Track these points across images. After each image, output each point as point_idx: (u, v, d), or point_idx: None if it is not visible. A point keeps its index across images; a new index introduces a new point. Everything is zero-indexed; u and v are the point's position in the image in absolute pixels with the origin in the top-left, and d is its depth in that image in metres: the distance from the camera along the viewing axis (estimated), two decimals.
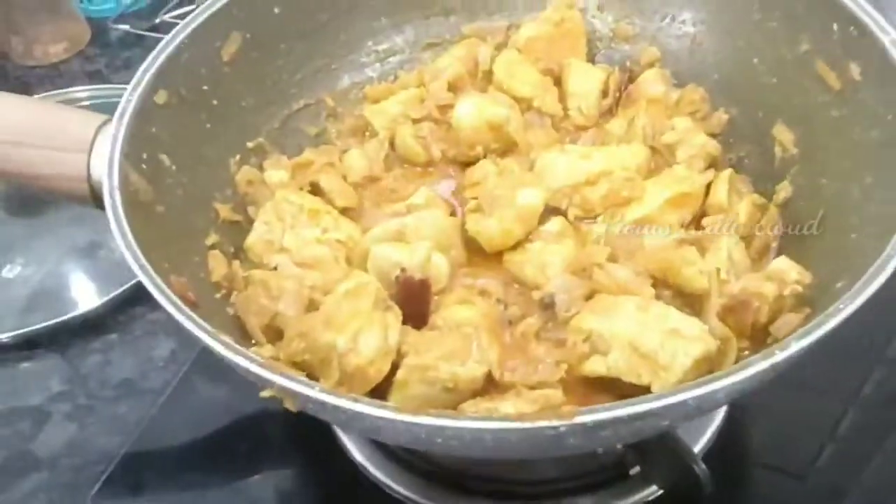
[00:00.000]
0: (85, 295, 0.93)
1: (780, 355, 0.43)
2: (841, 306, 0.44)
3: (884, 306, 0.47)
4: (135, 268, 0.51)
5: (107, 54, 1.31)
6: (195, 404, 0.80)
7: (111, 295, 0.89)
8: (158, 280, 0.51)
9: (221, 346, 0.47)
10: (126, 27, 1.31)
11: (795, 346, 0.43)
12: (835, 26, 0.64)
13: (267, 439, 0.76)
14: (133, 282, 0.88)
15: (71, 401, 0.84)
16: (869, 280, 0.46)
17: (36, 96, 1.18)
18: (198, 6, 1.26)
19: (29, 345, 0.88)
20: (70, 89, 1.20)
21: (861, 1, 0.62)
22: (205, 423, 0.78)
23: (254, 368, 0.46)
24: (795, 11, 0.67)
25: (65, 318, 0.88)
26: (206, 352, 0.51)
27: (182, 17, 1.29)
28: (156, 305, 0.90)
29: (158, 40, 1.24)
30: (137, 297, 0.89)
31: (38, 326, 0.88)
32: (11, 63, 1.30)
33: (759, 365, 0.43)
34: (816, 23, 0.65)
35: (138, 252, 0.51)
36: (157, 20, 1.31)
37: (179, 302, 0.50)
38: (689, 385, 0.42)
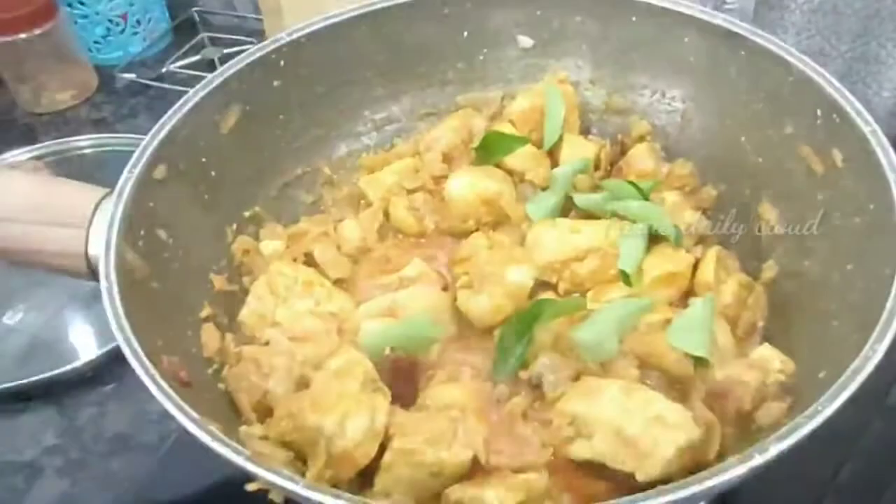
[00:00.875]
0: (83, 345, 0.94)
1: (758, 458, 0.44)
2: (820, 408, 0.45)
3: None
4: (127, 353, 0.52)
5: (113, 102, 1.34)
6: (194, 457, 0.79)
7: (109, 346, 0.90)
8: (150, 367, 0.52)
9: (208, 436, 0.48)
10: (132, 76, 1.34)
11: (774, 450, 0.44)
12: (818, 112, 0.65)
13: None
14: None
15: (64, 455, 0.85)
16: (847, 381, 0.46)
17: (40, 144, 1.21)
18: (203, 57, 1.33)
19: (24, 396, 0.89)
20: (75, 137, 1.22)
21: (844, 90, 0.63)
22: (202, 478, 0.77)
23: (239, 461, 0.46)
24: (781, 95, 0.69)
25: (62, 370, 0.89)
26: None
27: (188, 66, 1.34)
28: None
29: (164, 90, 1.30)
30: None
31: (35, 378, 0.88)
32: (20, 110, 1.32)
33: (737, 469, 0.43)
34: (801, 107, 0.67)
35: (132, 338, 0.52)
36: (164, 70, 1.34)
37: (168, 388, 0.51)
38: (665, 489, 0.43)
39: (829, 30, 1.10)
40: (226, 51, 1.34)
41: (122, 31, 1.38)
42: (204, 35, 1.40)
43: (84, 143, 1.22)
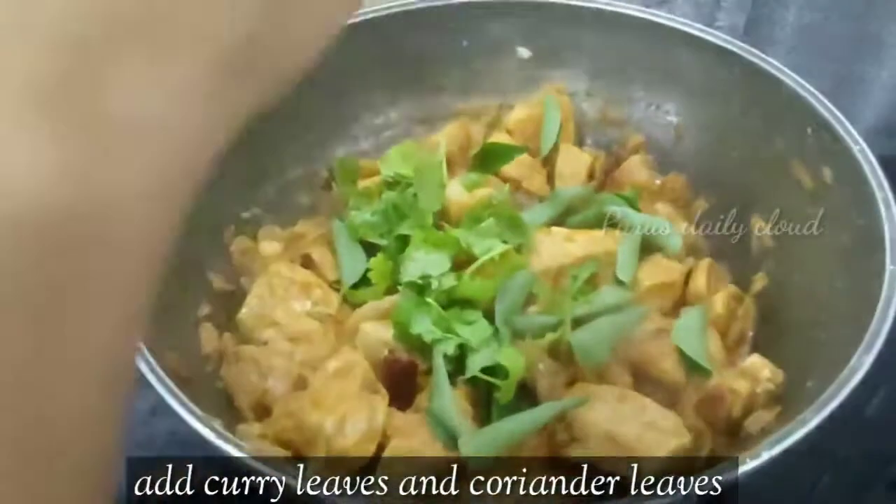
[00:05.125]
0: None
1: (750, 463, 0.45)
2: (809, 416, 0.47)
3: None
4: None
5: None
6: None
7: None
8: (152, 360, 0.52)
9: (212, 433, 0.48)
10: None
11: (765, 455, 0.45)
12: (809, 130, 0.67)
13: None
14: None
15: None
16: (836, 391, 0.48)
17: None
18: None
19: None
20: None
21: (834, 109, 0.65)
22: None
23: (243, 457, 0.47)
24: (773, 112, 0.71)
25: None
26: None
27: None
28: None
29: None
30: None
31: None
32: None
33: (729, 472, 0.45)
34: (792, 124, 0.69)
35: None
36: None
37: (172, 384, 0.52)
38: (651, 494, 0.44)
39: (817, 50, 1.12)
40: None
41: None
42: None
43: None
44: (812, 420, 0.46)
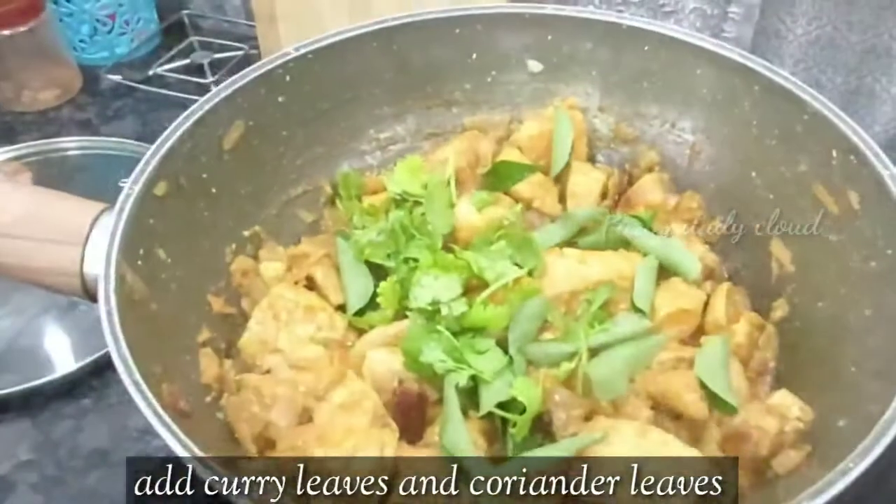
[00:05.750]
0: (62, 356, 0.91)
1: None
2: (851, 464, 0.44)
3: None
4: (128, 383, 0.49)
5: (97, 104, 1.30)
6: None
7: (88, 360, 0.86)
8: (150, 398, 0.49)
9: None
10: (118, 78, 1.30)
11: None
12: (834, 152, 0.65)
13: None
14: None
15: (38, 471, 0.81)
16: (880, 434, 0.46)
17: (21, 144, 1.17)
18: (192, 61, 1.30)
19: None
20: (58, 139, 1.19)
21: (860, 130, 0.63)
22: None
23: None
24: (794, 132, 0.68)
25: (39, 382, 0.85)
26: None
27: (176, 70, 1.31)
28: None
29: (150, 93, 1.26)
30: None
31: (10, 390, 0.85)
32: None
33: None
34: (815, 146, 0.66)
35: (132, 366, 0.50)
36: (150, 72, 1.30)
37: (169, 421, 0.49)
38: None
39: (825, 62, 1.11)
40: (215, 55, 1.31)
41: (110, 32, 1.34)
42: (193, 39, 1.37)
43: (67, 144, 1.18)
44: (855, 469, 0.44)
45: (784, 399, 0.57)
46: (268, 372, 0.62)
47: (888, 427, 0.46)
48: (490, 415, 0.58)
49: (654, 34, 0.75)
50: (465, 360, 0.59)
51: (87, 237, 0.60)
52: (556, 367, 0.60)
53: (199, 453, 0.47)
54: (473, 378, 0.59)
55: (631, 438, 0.56)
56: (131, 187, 0.60)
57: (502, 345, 0.62)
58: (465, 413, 0.58)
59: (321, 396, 0.60)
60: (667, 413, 0.59)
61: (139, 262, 0.59)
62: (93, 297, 0.60)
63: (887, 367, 0.51)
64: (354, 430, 0.54)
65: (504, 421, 0.58)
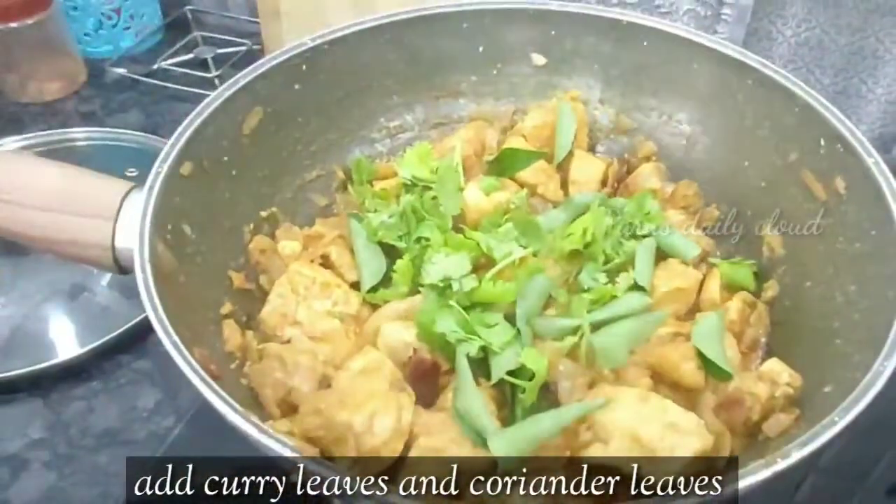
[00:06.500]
0: (65, 340, 0.93)
1: (781, 463, 0.46)
2: (836, 418, 0.48)
3: None
4: (167, 345, 0.52)
5: (102, 96, 1.32)
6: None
7: (96, 343, 0.89)
8: (189, 357, 0.52)
9: (253, 427, 0.49)
10: (123, 71, 1.32)
11: (797, 455, 0.47)
12: (822, 141, 0.69)
13: None
14: (119, 330, 0.88)
15: (51, 449, 0.83)
16: (861, 394, 0.50)
17: (29, 134, 1.19)
18: (195, 56, 1.33)
19: (9, 388, 0.87)
20: (65, 129, 1.21)
21: (847, 121, 0.67)
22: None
23: (286, 453, 0.48)
24: (785, 123, 0.72)
25: (46, 364, 0.87)
26: None
27: (180, 64, 1.33)
28: (141, 354, 0.91)
29: (154, 86, 1.29)
30: (123, 344, 0.90)
31: (19, 371, 0.87)
32: (5, 99, 1.30)
33: (762, 473, 0.46)
34: (805, 136, 0.70)
35: (170, 329, 0.53)
36: (155, 66, 1.33)
37: (207, 377, 0.52)
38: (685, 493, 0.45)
39: (814, 63, 1.15)
40: (219, 50, 1.34)
41: (115, 26, 1.37)
42: (196, 34, 1.39)
43: (75, 134, 1.20)
44: (840, 422, 0.48)
45: (774, 366, 0.61)
46: (288, 342, 0.65)
47: (870, 385, 0.50)
48: (499, 383, 0.62)
49: (653, 30, 0.79)
50: (475, 331, 0.62)
51: (118, 212, 0.62)
52: (560, 340, 0.64)
53: (238, 406, 0.50)
54: (483, 349, 0.62)
55: (632, 404, 0.59)
56: (160, 166, 0.63)
57: (510, 319, 0.65)
58: (475, 382, 0.61)
59: (339, 366, 0.63)
60: (665, 382, 0.63)
61: (168, 236, 0.62)
62: (122, 270, 0.63)
63: (869, 337, 0.55)
64: (375, 394, 0.57)
65: (513, 388, 0.61)
